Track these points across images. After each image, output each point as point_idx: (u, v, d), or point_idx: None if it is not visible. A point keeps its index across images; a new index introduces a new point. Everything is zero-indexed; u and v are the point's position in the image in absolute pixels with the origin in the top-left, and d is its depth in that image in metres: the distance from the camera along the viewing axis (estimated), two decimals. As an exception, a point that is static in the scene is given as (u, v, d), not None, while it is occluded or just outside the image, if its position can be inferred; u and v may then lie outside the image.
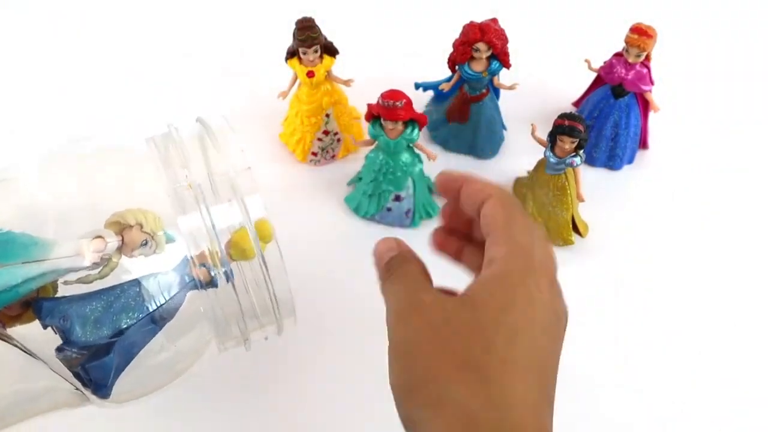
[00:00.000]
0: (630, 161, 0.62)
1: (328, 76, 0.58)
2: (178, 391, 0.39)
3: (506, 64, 0.57)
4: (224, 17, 0.81)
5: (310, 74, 0.56)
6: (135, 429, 0.43)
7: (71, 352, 0.32)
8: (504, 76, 0.59)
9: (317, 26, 0.55)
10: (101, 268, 0.32)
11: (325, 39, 0.56)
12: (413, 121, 0.51)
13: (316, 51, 0.56)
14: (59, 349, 0.32)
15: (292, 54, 0.57)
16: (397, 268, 0.30)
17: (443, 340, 0.24)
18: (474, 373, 0.23)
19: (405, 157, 0.53)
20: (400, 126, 0.50)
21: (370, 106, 0.51)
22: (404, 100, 0.49)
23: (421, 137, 0.53)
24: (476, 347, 0.23)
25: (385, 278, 0.30)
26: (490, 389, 0.22)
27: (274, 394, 0.46)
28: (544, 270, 0.27)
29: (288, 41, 0.56)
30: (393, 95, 0.49)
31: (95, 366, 0.32)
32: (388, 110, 0.49)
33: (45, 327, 0.31)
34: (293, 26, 0.55)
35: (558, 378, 0.46)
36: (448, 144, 0.63)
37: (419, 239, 0.56)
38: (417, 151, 0.54)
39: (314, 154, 0.61)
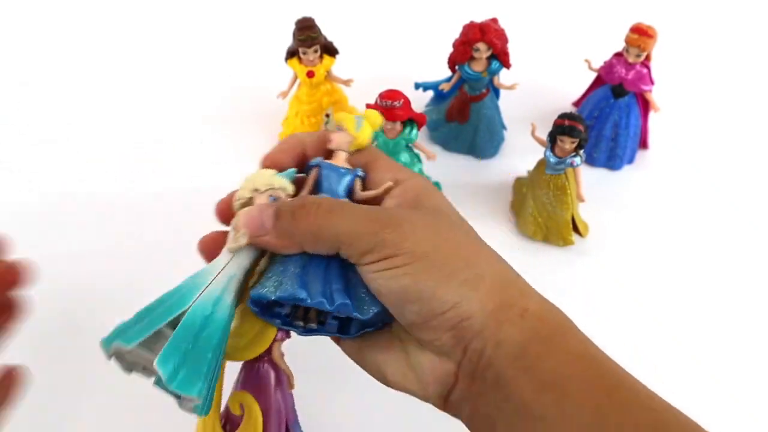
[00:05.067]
0: (630, 161, 0.62)
1: (328, 76, 0.58)
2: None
3: (506, 64, 0.57)
4: (225, 17, 0.81)
5: (310, 74, 0.56)
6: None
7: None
8: (504, 76, 0.59)
9: (317, 26, 0.56)
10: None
11: (325, 39, 0.57)
12: (412, 121, 0.51)
13: (316, 51, 0.56)
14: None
15: (292, 54, 0.57)
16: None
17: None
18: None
19: (404, 157, 0.53)
20: (398, 126, 0.50)
21: (368, 106, 0.51)
22: (402, 100, 0.49)
23: (420, 137, 0.53)
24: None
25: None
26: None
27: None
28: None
29: (288, 41, 0.56)
30: (391, 95, 0.49)
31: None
32: (386, 110, 0.49)
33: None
34: (293, 26, 0.55)
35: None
36: (448, 144, 0.63)
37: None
38: (416, 150, 0.54)
39: (314, 154, 0.61)
